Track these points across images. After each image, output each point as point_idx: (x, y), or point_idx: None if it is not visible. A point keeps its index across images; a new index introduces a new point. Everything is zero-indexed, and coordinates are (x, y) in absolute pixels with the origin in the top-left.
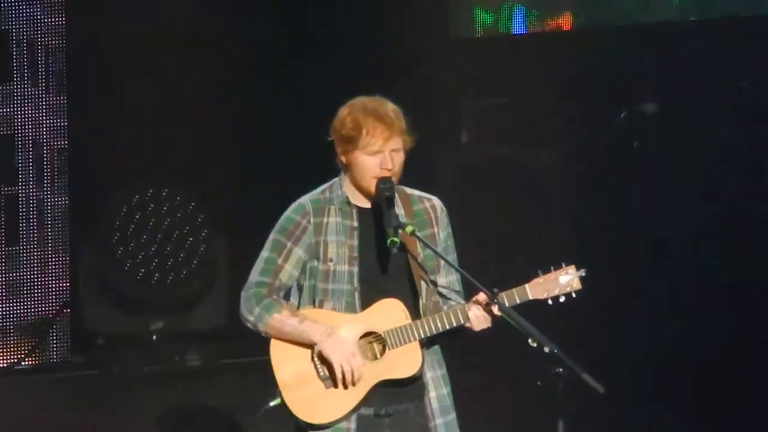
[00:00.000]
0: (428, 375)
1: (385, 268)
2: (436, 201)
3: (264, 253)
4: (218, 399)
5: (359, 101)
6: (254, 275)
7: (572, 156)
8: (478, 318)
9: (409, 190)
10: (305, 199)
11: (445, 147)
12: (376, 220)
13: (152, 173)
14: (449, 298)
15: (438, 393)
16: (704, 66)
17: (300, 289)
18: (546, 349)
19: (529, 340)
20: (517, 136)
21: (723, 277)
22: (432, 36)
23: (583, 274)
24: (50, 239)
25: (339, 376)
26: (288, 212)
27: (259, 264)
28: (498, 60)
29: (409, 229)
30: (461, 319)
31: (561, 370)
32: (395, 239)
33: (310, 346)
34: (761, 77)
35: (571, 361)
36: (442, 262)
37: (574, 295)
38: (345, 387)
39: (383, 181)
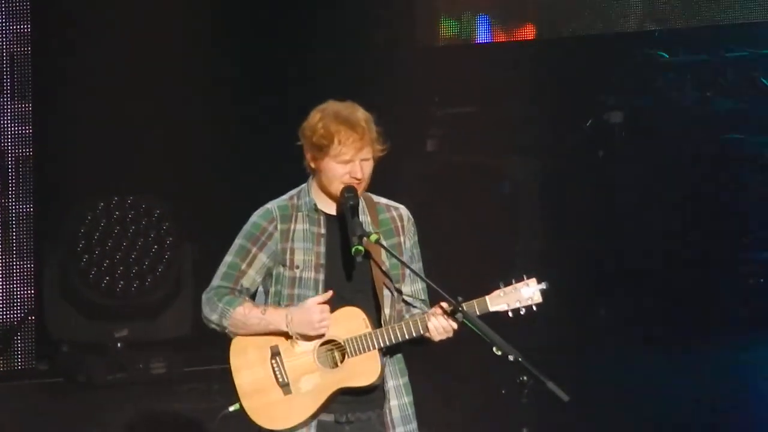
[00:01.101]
0: (390, 384)
1: (350, 276)
2: (403, 210)
3: (228, 258)
4: (183, 407)
5: (331, 107)
6: (216, 280)
7: (537, 165)
8: (437, 329)
9: (376, 198)
10: (272, 205)
11: (410, 155)
12: (343, 228)
13: (117, 181)
14: (414, 307)
15: (399, 402)
16: (669, 75)
17: (266, 293)
18: (510, 358)
19: (494, 349)
20: (483, 144)
21: (686, 280)
22: (398, 44)
23: (544, 287)
24: (15, 246)
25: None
26: (254, 217)
27: (221, 268)
28: (463, 69)
29: (373, 237)
30: (420, 329)
31: (525, 378)
32: (360, 248)
33: (270, 351)
34: (720, 86)
35: (536, 370)
36: (407, 271)
37: (534, 308)
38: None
39: (348, 190)
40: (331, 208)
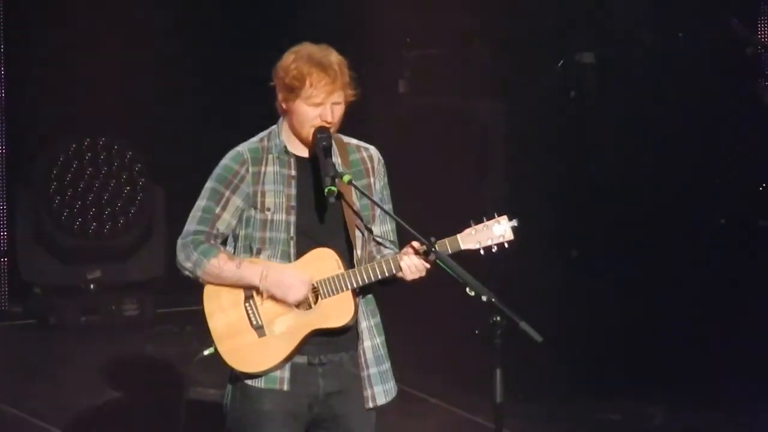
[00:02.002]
0: (363, 325)
1: (321, 218)
2: (374, 151)
3: (201, 202)
4: (155, 348)
5: (305, 49)
6: (191, 224)
7: (509, 106)
8: (410, 267)
9: (346, 139)
10: (243, 148)
11: (381, 97)
12: (314, 169)
13: (89, 122)
14: (385, 247)
15: (372, 342)
16: (639, 14)
17: (236, 238)
18: (483, 298)
19: (467, 289)
20: (454, 86)
21: (660, 224)
22: None
23: (515, 224)
24: None
25: (294, 306)
26: (225, 161)
27: (195, 213)
28: (434, 10)
29: (346, 178)
30: (393, 268)
31: (498, 318)
32: (333, 188)
33: (243, 294)
34: (695, 25)
35: (509, 310)
36: (378, 212)
37: (506, 245)
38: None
39: (320, 131)
40: (301, 150)
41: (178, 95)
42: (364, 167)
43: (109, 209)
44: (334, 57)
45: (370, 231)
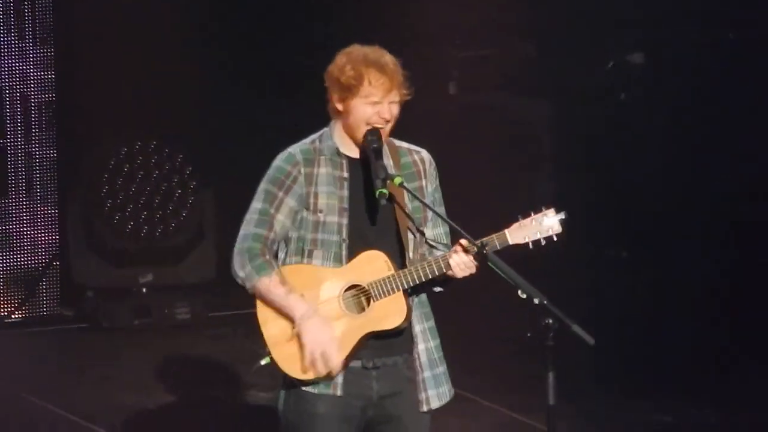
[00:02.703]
0: (417, 328)
1: (373, 220)
2: (425, 153)
3: (257, 204)
4: (206, 352)
5: (358, 50)
6: (249, 227)
7: (558, 106)
8: (459, 265)
9: (397, 142)
10: (295, 149)
11: (432, 99)
12: (366, 171)
13: (140, 126)
14: (437, 250)
15: (426, 346)
16: (691, 14)
17: (287, 240)
18: (536, 301)
19: (519, 292)
20: (504, 86)
21: (708, 225)
22: None
23: (563, 217)
24: (39, 192)
25: (308, 360)
26: (278, 162)
27: (252, 215)
28: (485, 10)
29: (397, 180)
30: (443, 267)
31: (551, 321)
32: (384, 190)
33: None
34: (746, 23)
35: (561, 313)
36: (430, 215)
37: (555, 238)
38: (315, 369)
39: (371, 132)
40: (353, 152)
41: (228, 99)
42: (415, 169)
43: (160, 212)
44: (388, 57)
45: (422, 233)
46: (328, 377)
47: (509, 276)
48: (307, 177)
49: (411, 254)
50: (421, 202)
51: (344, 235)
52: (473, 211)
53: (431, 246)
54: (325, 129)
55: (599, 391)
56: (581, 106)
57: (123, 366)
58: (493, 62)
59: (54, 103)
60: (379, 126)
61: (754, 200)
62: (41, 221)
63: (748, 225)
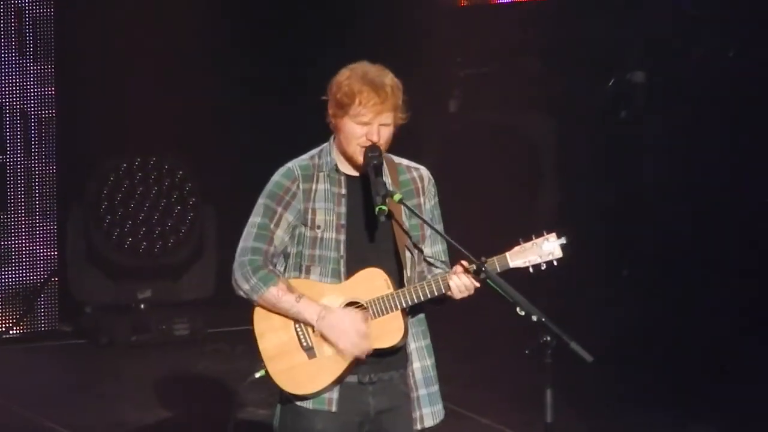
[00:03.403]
0: (412, 346)
1: (371, 237)
2: (424, 171)
3: (256, 219)
4: (205, 368)
5: (361, 67)
6: (248, 240)
7: (560, 124)
8: (458, 287)
9: (396, 159)
10: (294, 164)
11: (432, 116)
12: (364, 188)
13: (140, 141)
14: (436, 267)
15: (422, 364)
16: (691, 33)
17: (286, 256)
18: (534, 318)
19: (517, 309)
20: (504, 104)
21: (710, 241)
22: (419, 4)
23: (564, 242)
24: (38, 208)
25: (346, 354)
26: (277, 177)
27: (251, 230)
28: (484, 28)
29: (396, 197)
30: (442, 288)
31: (549, 338)
32: (383, 207)
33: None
34: (748, 44)
35: (559, 330)
36: (428, 232)
37: (555, 263)
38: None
39: (371, 149)
40: (351, 169)
41: (229, 115)
42: (414, 187)
43: (159, 228)
44: (388, 79)
45: (421, 251)
46: (324, 392)
47: (507, 293)
48: (305, 193)
49: (409, 272)
50: (422, 219)
51: (342, 251)
52: (474, 228)
53: (430, 264)
54: (325, 145)
55: (598, 409)
56: (582, 124)
57: (121, 382)
58: (494, 80)
59: (54, 118)
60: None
61: (757, 217)
62: (40, 236)
63: (752, 241)
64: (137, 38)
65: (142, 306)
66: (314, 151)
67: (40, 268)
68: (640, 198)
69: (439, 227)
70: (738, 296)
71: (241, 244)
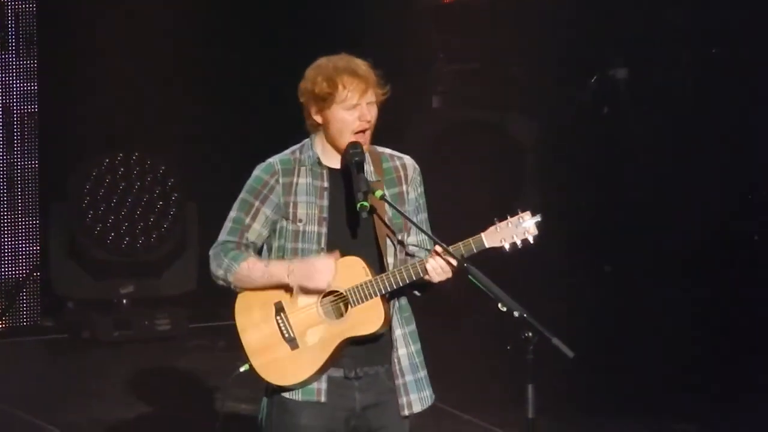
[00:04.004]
0: (397, 332)
1: (353, 231)
2: (408, 160)
3: (232, 213)
4: (187, 363)
5: (327, 61)
6: (222, 235)
7: (543, 121)
8: (435, 269)
9: (380, 149)
10: (275, 159)
11: (416, 112)
12: (347, 182)
13: (123, 137)
14: (418, 255)
15: (407, 350)
16: (674, 30)
17: (270, 249)
18: (515, 314)
19: (499, 305)
20: (487, 101)
21: (692, 239)
22: (402, 2)
23: (539, 219)
24: (20, 203)
25: (326, 290)
26: (256, 171)
27: (227, 224)
28: (468, 25)
29: (378, 193)
30: (420, 272)
31: (530, 334)
32: (365, 203)
33: (274, 308)
34: (729, 39)
35: (541, 326)
36: (411, 221)
37: (531, 240)
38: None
39: (352, 146)
40: (335, 162)
41: (211, 111)
42: (396, 175)
43: (142, 224)
44: (358, 60)
45: (402, 242)
46: (311, 382)
47: (489, 289)
48: (285, 187)
49: (390, 260)
50: (401, 214)
51: (323, 244)
52: (456, 224)
53: (411, 253)
54: (306, 140)
55: (580, 406)
56: (565, 121)
57: (103, 377)
58: (477, 77)
59: (36, 114)
60: (364, 128)
61: (738, 215)
62: (23, 232)
63: (733, 239)
64: (120, 34)
65: (124, 301)
66: (295, 147)
67: (22, 263)
68: (623, 194)
69: (423, 216)
70: (722, 296)
71: (217, 238)
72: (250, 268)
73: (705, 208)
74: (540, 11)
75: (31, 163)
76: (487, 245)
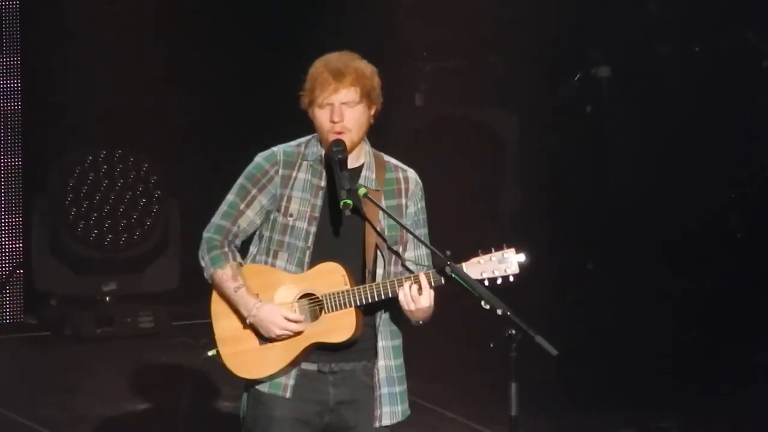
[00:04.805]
0: (380, 344)
1: (341, 232)
2: (411, 173)
3: (229, 197)
4: (170, 360)
5: (330, 55)
6: (216, 217)
7: (526, 119)
8: (406, 296)
9: (386, 158)
10: (279, 149)
11: (399, 110)
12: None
13: (105, 134)
14: (414, 272)
15: (387, 363)
16: (656, 28)
17: (260, 238)
18: (499, 312)
19: (482, 302)
20: (470, 98)
21: (675, 236)
22: None
23: (522, 260)
24: (3, 200)
25: (278, 340)
26: (258, 159)
27: (223, 207)
28: (451, 23)
29: (361, 191)
30: (394, 291)
31: (514, 332)
32: (348, 201)
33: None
34: (712, 36)
35: (524, 324)
36: (410, 236)
37: (511, 279)
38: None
39: (336, 143)
40: None
41: (194, 108)
42: (397, 187)
43: (124, 221)
44: (355, 62)
45: (396, 252)
46: (278, 377)
47: (472, 287)
48: (283, 179)
49: (380, 271)
50: (394, 218)
51: (309, 242)
52: (439, 222)
53: (407, 267)
54: (315, 134)
55: (563, 403)
56: (548, 118)
57: (86, 374)
58: (460, 74)
59: (19, 111)
60: (336, 130)
61: (721, 212)
62: (5, 229)
63: (716, 237)
64: (103, 31)
65: (107, 299)
66: (303, 139)
67: (4, 260)
68: (606, 192)
69: (423, 231)
70: (705, 292)
71: (212, 219)
72: (223, 281)
73: (688, 204)
74: (523, 7)
75: (15, 160)
76: None
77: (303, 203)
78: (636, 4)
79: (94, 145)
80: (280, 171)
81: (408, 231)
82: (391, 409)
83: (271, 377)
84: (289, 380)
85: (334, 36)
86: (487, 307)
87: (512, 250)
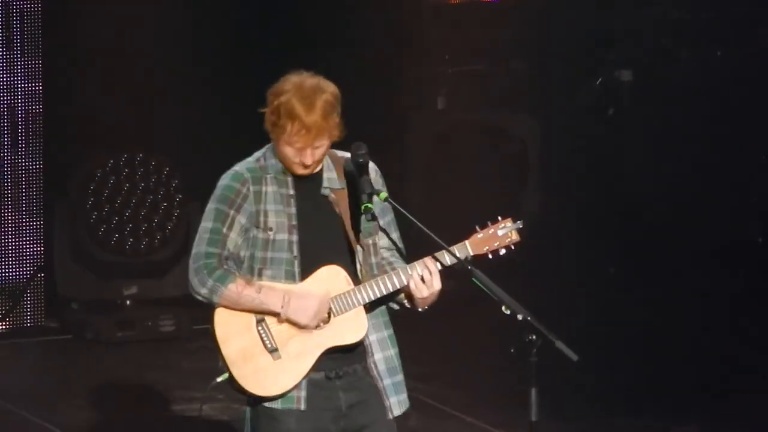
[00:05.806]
0: (371, 338)
1: (324, 235)
2: (369, 163)
3: (207, 224)
4: (190, 365)
5: (292, 92)
6: (201, 246)
7: (547, 122)
8: (417, 283)
9: (340, 153)
10: (242, 167)
11: (421, 114)
12: (312, 187)
13: (127, 138)
14: (393, 256)
15: (384, 354)
16: (678, 32)
17: (236, 261)
18: (519, 317)
19: (503, 308)
20: (492, 102)
21: (697, 240)
22: (406, 2)
23: (520, 226)
24: (24, 203)
25: (307, 332)
26: (225, 181)
27: (203, 235)
28: (473, 26)
29: (382, 195)
30: (404, 280)
31: (534, 337)
32: (369, 205)
33: (254, 318)
34: (734, 41)
35: (545, 329)
36: (382, 222)
37: (513, 247)
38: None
39: (357, 147)
40: None
41: (216, 111)
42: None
43: (146, 225)
44: (320, 102)
45: (374, 245)
46: (291, 391)
47: (493, 292)
48: (255, 195)
49: (359, 264)
50: (410, 218)
51: (295, 252)
52: (458, 226)
53: (384, 256)
54: (268, 146)
55: (583, 409)
56: (570, 122)
57: (106, 378)
58: (481, 78)
59: (41, 114)
60: (305, 166)
61: (742, 214)
62: (27, 232)
63: (739, 241)
64: (125, 34)
65: (128, 302)
66: (258, 154)
67: (26, 264)
68: (627, 195)
69: (390, 217)
70: (725, 295)
71: (194, 250)
72: (240, 293)
73: (710, 208)
74: (544, 11)
75: (36, 164)
76: (471, 253)
77: (279, 215)
78: (658, 8)
79: (115, 148)
80: (251, 188)
81: (424, 229)
82: (398, 398)
83: (289, 391)
84: (301, 392)
85: (356, 41)
86: (508, 312)
87: (509, 220)
